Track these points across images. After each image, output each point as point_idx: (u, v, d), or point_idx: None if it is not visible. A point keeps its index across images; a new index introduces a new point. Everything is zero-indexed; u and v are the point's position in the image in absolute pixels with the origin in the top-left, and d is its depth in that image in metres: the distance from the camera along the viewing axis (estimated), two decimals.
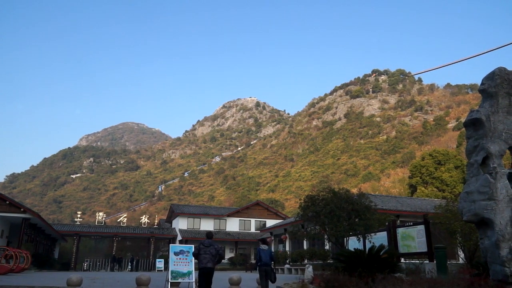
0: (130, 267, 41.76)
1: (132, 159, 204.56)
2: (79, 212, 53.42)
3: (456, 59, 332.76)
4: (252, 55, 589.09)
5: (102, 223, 50.16)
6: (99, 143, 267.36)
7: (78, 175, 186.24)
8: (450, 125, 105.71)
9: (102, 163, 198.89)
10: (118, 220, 53.20)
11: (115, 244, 45.24)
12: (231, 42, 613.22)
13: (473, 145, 8.51)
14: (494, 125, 8.34)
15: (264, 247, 11.18)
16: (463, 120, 9.40)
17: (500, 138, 8.29)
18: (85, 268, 42.71)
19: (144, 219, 52.14)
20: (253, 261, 42.44)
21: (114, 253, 44.05)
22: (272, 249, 39.49)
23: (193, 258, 13.16)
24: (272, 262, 11.21)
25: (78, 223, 49.76)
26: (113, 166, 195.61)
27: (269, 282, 11.00)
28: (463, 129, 9.63)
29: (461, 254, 18.80)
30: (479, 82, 9.08)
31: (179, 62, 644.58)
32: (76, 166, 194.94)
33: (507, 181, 7.99)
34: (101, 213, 52.37)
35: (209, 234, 10.45)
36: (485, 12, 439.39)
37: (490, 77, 8.72)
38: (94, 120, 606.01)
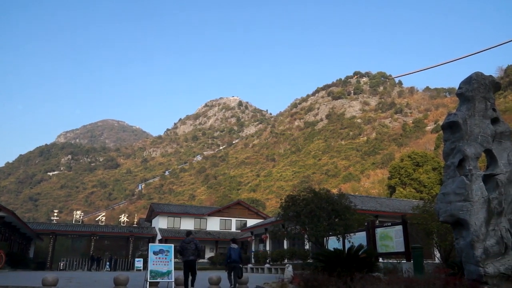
0: (108, 266, 41.10)
1: (111, 157, 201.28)
2: (55, 211, 52.30)
3: (435, 63, 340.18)
4: (235, 54, 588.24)
5: (79, 222, 49.19)
6: (77, 140, 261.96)
7: (55, 172, 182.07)
8: (429, 128, 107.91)
9: (81, 160, 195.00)
10: (97, 219, 52.23)
11: (93, 243, 44.43)
12: (214, 41, 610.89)
13: (450, 148, 8.71)
14: (471, 128, 8.55)
15: (234, 246, 13.27)
16: (441, 122, 9.60)
17: (476, 141, 8.51)
18: (61, 268, 41.80)
19: (123, 218, 51.36)
20: (240, 261, 42.46)
21: (92, 252, 43.27)
22: (253, 249, 39.56)
23: (173, 257, 13.20)
24: (241, 260, 13.08)
25: (54, 221, 48.67)
26: (92, 164, 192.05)
27: (237, 278, 12.57)
28: (441, 131, 9.85)
29: (437, 254, 19.23)
30: (457, 86, 9.29)
31: (161, 60, 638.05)
32: (54, 163, 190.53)
33: (482, 183, 8.21)
34: (78, 212, 51.34)
35: (188, 233, 13.02)
36: (464, 18, 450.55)
37: (468, 82, 8.94)
38: (72, 116, 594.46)
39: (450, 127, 8.73)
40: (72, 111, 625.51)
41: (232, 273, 12.89)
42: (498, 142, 8.86)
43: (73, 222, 48.57)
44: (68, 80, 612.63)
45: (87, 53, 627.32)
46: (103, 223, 49.70)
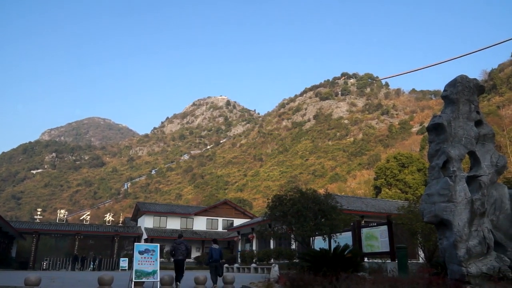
0: (92, 266, 40.59)
1: (97, 155, 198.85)
2: (39, 209, 51.27)
3: (421, 66, 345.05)
4: (223, 53, 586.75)
5: (63, 221, 48.43)
6: (62, 138, 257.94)
7: (39, 170, 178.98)
8: (414, 129, 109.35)
9: (65, 158, 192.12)
10: (81, 218, 51.55)
11: (77, 243, 43.83)
12: (202, 40, 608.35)
13: (434, 149, 8.82)
14: (455, 130, 8.68)
15: (215, 246, 14.43)
16: (426, 124, 9.73)
17: (460, 143, 8.64)
18: (44, 268, 41.13)
19: (109, 217, 50.77)
20: (220, 261, 42.33)
21: (76, 252, 42.70)
22: (239, 248, 39.54)
23: (159, 257, 13.11)
24: (221, 259, 14.29)
25: (37, 220, 47.82)
26: (76, 162, 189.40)
27: (218, 276, 13.71)
28: (426, 133, 9.97)
29: (422, 254, 19.46)
30: (442, 89, 9.41)
31: (149, 59, 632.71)
32: (37, 161, 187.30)
33: (466, 184, 8.34)
34: (62, 211, 50.54)
35: (180, 235, 14.51)
36: (450, 22, 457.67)
37: (452, 84, 9.07)
38: (57, 114, 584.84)
39: (435, 129, 8.85)
40: (56, 108, 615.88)
41: (213, 272, 13.89)
42: (482, 144, 9.01)
43: (57, 221, 47.81)
44: (53, 77, 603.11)
45: (73, 50, 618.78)
46: (88, 222, 49.07)
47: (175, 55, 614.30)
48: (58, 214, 48.61)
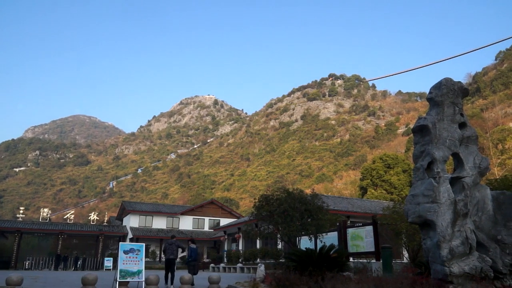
0: (76, 265, 40.01)
1: (82, 154, 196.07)
2: (21, 208, 50.47)
3: (408, 68, 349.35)
4: (211, 53, 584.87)
5: (47, 219, 47.66)
6: (46, 136, 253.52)
7: (22, 168, 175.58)
8: (400, 131, 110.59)
9: (49, 156, 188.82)
10: (65, 217, 50.82)
11: (60, 242, 43.14)
12: (190, 39, 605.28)
13: (419, 151, 8.94)
14: (439, 132, 8.81)
15: (193, 246, 15.18)
16: (412, 126, 9.85)
17: (444, 145, 8.77)
18: (26, 267, 40.38)
19: (93, 216, 50.17)
20: (206, 260, 42.17)
21: (59, 251, 42.03)
22: (226, 248, 39.48)
23: (144, 256, 12.99)
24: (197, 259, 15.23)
25: (20, 219, 46.97)
26: (61, 160, 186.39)
27: (194, 274, 14.34)
28: (412, 134, 10.09)
29: (406, 254, 19.70)
30: (427, 91, 9.54)
31: (136, 57, 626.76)
32: (20, 159, 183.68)
33: (449, 185, 8.47)
34: (46, 209, 49.72)
35: (172, 236, 15.20)
36: (435, 25, 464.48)
37: (437, 87, 9.20)
38: (41, 111, 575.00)
39: (420, 131, 8.97)
40: (41, 105, 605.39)
41: (189, 271, 14.63)
42: (465, 146, 9.16)
43: (40, 220, 47.03)
44: (38, 74, 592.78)
45: (59, 48, 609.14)
46: (72, 221, 48.40)
47: (163, 54, 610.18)
48: (41, 213, 47.83)
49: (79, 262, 40.06)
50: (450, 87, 9.16)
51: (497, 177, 18.06)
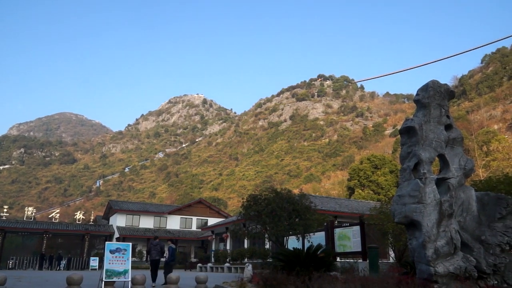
0: (60, 265, 39.46)
1: (68, 152, 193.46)
2: (5, 206, 49.47)
3: (395, 70, 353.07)
4: (201, 51, 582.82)
5: (31, 218, 46.89)
6: (31, 133, 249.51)
7: (6, 166, 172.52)
8: (387, 132, 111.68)
9: (35, 154, 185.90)
10: (50, 216, 50.07)
11: (45, 241, 42.53)
12: (179, 37, 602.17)
13: (406, 152, 9.04)
14: (426, 133, 8.91)
15: (172, 245, 15.79)
16: (399, 127, 9.95)
17: (430, 146, 8.88)
18: (10, 267, 39.67)
19: (79, 215, 49.50)
20: (194, 260, 42.01)
21: (43, 250, 41.42)
22: (213, 248, 39.39)
23: (130, 256, 12.89)
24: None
25: (4, 218, 46.14)
26: (46, 158, 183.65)
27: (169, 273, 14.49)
28: (399, 136, 10.20)
29: (392, 254, 19.89)
30: (415, 93, 9.65)
31: (124, 54, 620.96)
32: (4, 156, 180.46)
33: (435, 186, 8.58)
34: (30, 208, 48.91)
35: (155, 237, 15.73)
36: (422, 28, 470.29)
37: (424, 89, 9.31)
38: (27, 108, 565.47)
39: (407, 132, 9.06)
40: (26, 102, 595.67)
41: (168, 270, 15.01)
42: (451, 148, 9.29)
43: (24, 219, 46.27)
44: (24, 69, 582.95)
45: (45, 43, 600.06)
46: (57, 220, 47.72)
47: (151, 52, 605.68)
48: (26, 212, 47.04)
49: (63, 262, 39.48)
50: (436, 89, 9.27)
51: (482, 179, 18.36)
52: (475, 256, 8.39)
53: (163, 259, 15.59)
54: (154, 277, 14.62)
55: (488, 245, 8.55)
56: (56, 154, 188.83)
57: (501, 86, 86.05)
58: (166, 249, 15.64)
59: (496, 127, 65.22)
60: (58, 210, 53.04)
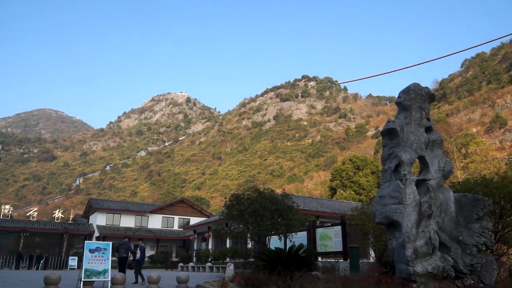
0: (38, 265, 38.57)
1: (47, 149, 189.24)
2: None
3: (378, 72, 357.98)
4: (185, 49, 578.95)
5: (8, 216, 45.70)
6: (9, 129, 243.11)
7: None
8: (370, 133, 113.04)
9: (12, 151, 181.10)
10: (28, 214, 48.90)
11: (22, 240, 41.51)
12: (163, 35, 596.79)
13: (388, 153, 9.16)
14: (407, 135, 9.06)
15: (143, 245, 16.26)
16: (381, 129, 10.07)
17: (411, 148, 9.03)
18: None
19: (58, 214, 48.50)
20: (175, 259, 41.64)
21: (20, 249, 40.42)
22: (195, 247, 39.15)
23: (110, 255, 12.68)
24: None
25: None
26: (24, 155, 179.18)
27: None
28: (381, 137, 10.34)
29: (372, 254, 20.15)
30: (397, 95, 9.79)
31: (106, 49, 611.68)
32: None
33: (415, 187, 8.72)
34: (7, 206, 47.66)
35: (125, 237, 16.77)
36: (406, 31, 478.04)
37: (406, 91, 9.46)
38: (4, 103, 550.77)
39: (389, 134, 9.19)
40: (4, 97, 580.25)
41: (137, 269, 15.36)
42: (431, 150, 9.46)
43: (1, 217, 45.07)
44: (1, 63, 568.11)
45: (24, 37, 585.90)
46: (35, 219, 46.66)
47: (135, 49, 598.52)
48: (2, 210, 45.80)
49: (41, 261, 38.59)
50: (418, 92, 9.44)
51: (460, 180, 18.78)
52: (452, 256, 8.56)
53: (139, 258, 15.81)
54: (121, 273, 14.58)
55: (465, 245, 8.74)
56: (35, 151, 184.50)
57: (480, 90, 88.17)
58: (138, 249, 15.79)
59: (474, 130, 66.79)
60: (36, 209, 51.84)
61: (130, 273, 15.29)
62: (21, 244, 41.35)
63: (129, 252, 15.85)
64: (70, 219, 50.90)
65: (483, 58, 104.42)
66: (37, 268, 37.14)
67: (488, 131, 66.26)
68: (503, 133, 62.44)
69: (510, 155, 49.19)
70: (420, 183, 8.99)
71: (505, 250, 13.72)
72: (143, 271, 15.65)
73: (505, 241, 12.86)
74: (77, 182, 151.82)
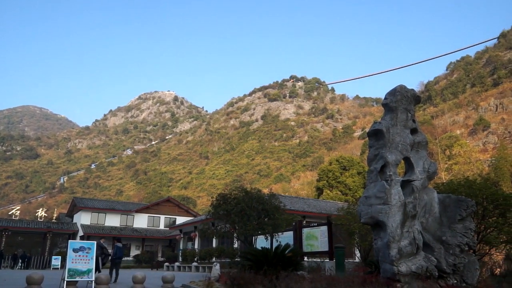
0: (20, 264, 37.86)
1: (31, 146, 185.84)
2: None
3: (365, 74, 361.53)
4: (173, 48, 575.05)
5: None
6: None
7: None
8: (356, 134, 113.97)
9: None
10: (10, 213, 48.02)
11: (4, 239, 40.71)
12: (151, 33, 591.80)
13: (374, 154, 9.24)
14: (393, 136, 9.15)
15: (119, 244, 16.40)
16: (367, 130, 10.15)
17: (396, 149, 9.12)
18: None
19: (41, 213, 47.71)
20: (161, 259, 41.36)
21: (2, 249, 39.62)
22: (181, 247, 38.94)
23: (94, 255, 12.52)
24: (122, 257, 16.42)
25: None
26: (7, 153, 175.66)
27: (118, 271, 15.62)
28: (367, 138, 10.43)
29: (358, 254, 20.33)
30: (383, 97, 9.88)
31: (93, 46, 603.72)
32: None
33: (400, 188, 8.82)
34: None
35: (101, 238, 17.38)
36: (393, 34, 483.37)
37: (392, 93, 9.56)
38: None
39: (375, 135, 9.27)
40: None
41: (114, 268, 15.57)
42: (416, 151, 9.58)
43: None
44: None
45: (6, 31, 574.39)
46: (17, 218, 45.82)
47: (122, 46, 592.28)
48: None
49: (24, 260, 37.88)
50: (404, 94, 9.54)
51: (444, 181, 19.07)
52: (436, 256, 8.68)
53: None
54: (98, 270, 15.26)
55: (448, 245, 8.87)
56: (18, 149, 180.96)
57: (464, 93, 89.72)
58: (103, 250, 16.03)
59: (458, 132, 67.91)
60: (18, 207, 50.95)
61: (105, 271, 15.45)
62: (3, 243, 40.56)
63: (102, 252, 15.86)
64: (54, 218, 50.18)
65: (468, 61, 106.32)
66: (20, 268, 36.46)
67: (472, 133, 67.45)
68: (486, 135, 63.63)
69: (493, 157, 50.15)
70: (405, 184, 9.09)
71: (487, 250, 13.98)
72: (128, 271, 15.55)
73: (487, 241, 13.10)
74: (61, 181, 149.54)
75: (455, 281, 8.66)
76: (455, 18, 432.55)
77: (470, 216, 9.37)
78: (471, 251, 9.62)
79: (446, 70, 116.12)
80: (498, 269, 16.47)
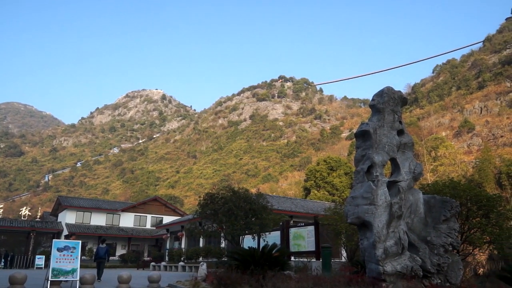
0: (3, 264, 37.17)
1: (15, 144, 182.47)
2: None
3: (353, 75, 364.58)
4: (161, 46, 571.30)
5: None
6: None
7: None
8: (344, 135, 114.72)
9: None
10: None
11: None
12: (138, 30, 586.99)
13: (361, 154, 9.32)
14: (380, 137, 9.24)
15: (102, 245, 16.95)
16: (355, 131, 10.22)
17: (383, 150, 9.21)
18: None
19: (25, 211, 46.96)
20: (147, 258, 41.07)
21: None
22: (168, 246, 38.72)
23: (79, 255, 12.38)
24: (106, 257, 16.82)
25: None
26: None
27: (103, 271, 16.31)
28: (354, 139, 10.50)
29: (344, 253, 20.48)
30: (371, 98, 9.96)
31: (80, 42, 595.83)
32: None
33: (386, 188, 8.91)
34: None
35: (84, 242, 17.02)
36: (380, 35, 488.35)
37: (380, 94, 9.65)
38: None
39: (362, 136, 9.35)
40: None
41: (99, 268, 16.24)
42: (402, 152, 9.69)
43: None
44: None
45: None
46: (0, 216, 44.99)
47: (110, 44, 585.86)
48: None
49: (8, 259, 37.21)
50: (391, 96, 9.64)
51: (429, 182, 19.34)
52: (421, 256, 8.80)
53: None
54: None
55: (433, 245, 9.00)
56: (1, 146, 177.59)
57: (450, 96, 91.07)
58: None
59: (444, 134, 68.90)
60: (1, 206, 50.04)
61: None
62: None
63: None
64: (38, 216, 49.42)
65: (454, 64, 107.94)
66: (2, 267, 35.78)
67: (457, 135, 68.49)
68: (471, 137, 64.68)
69: (477, 159, 51.02)
70: (391, 185, 9.19)
71: (471, 250, 14.23)
72: (114, 271, 15.44)
73: (471, 241, 13.33)
74: (46, 179, 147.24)
75: (439, 281, 8.79)
76: (441, 22, 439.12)
77: (454, 216, 9.52)
78: (455, 251, 9.77)
79: (433, 72, 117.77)
80: (482, 269, 16.79)
